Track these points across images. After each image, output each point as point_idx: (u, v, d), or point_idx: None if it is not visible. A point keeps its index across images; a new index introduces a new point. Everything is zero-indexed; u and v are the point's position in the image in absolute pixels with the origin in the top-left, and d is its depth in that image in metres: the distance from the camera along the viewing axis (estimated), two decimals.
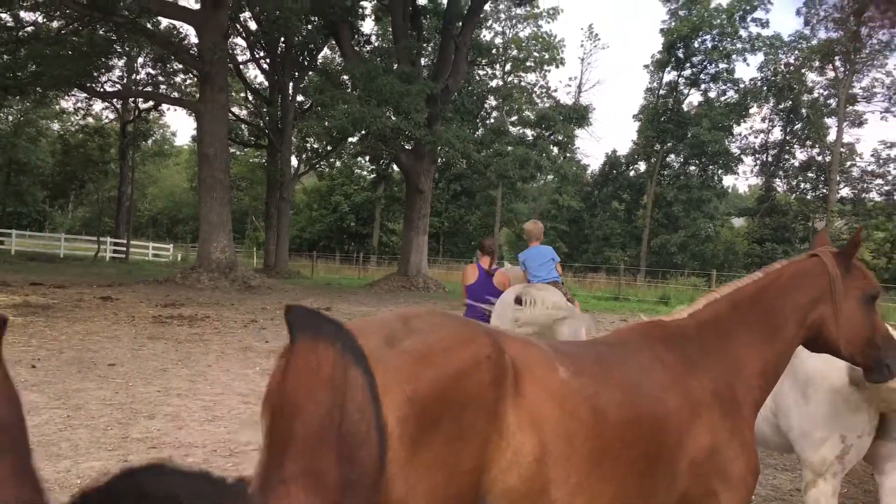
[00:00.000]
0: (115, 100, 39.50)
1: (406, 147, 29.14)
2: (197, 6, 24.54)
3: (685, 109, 48.83)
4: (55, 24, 27.23)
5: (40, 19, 27.35)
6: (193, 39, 28.62)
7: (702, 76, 48.49)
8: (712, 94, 48.81)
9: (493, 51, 42.96)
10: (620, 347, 2.48)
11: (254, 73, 43.08)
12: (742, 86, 47.81)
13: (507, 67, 49.14)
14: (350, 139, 34.34)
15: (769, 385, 2.65)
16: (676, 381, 2.36)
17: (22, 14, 27.64)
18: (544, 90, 51.35)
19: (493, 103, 49.67)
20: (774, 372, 2.65)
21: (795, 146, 48.48)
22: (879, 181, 44.68)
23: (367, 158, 49.96)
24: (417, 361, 1.92)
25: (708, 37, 46.66)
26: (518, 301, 5.36)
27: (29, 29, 27.09)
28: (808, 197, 47.21)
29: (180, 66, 34.16)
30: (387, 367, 1.92)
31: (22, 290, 16.94)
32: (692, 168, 50.15)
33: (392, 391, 1.89)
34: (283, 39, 34.52)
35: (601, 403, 2.16)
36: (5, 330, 0.61)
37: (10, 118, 47.21)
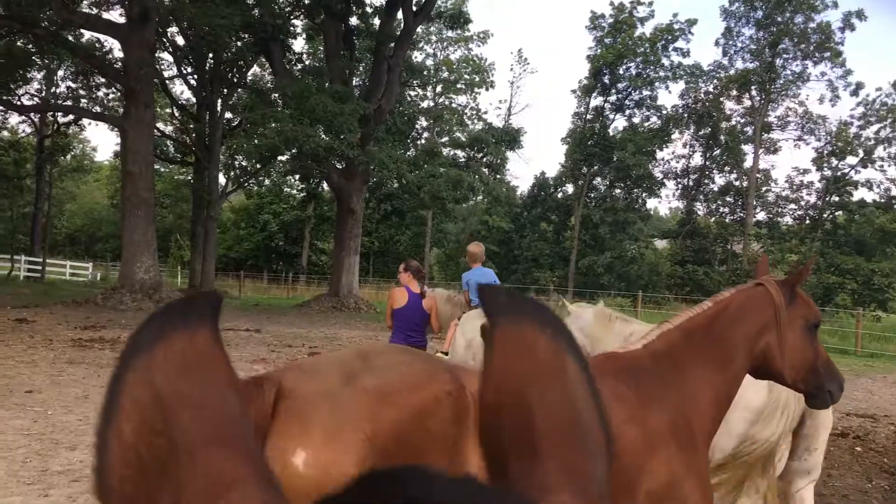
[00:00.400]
0: (32, 113, 37.95)
1: (338, 166, 28.91)
2: (122, 20, 23.84)
3: (611, 134, 50.04)
4: None
5: None
6: (118, 53, 27.78)
7: (626, 102, 49.81)
8: (636, 120, 50.28)
9: (425, 72, 43.26)
10: None
11: (181, 89, 42.06)
12: (664, 112, 49.42)
13: (439, 89, 49.55)
14: (280, 157, 33.88)
15: (721, 415, 2.66)
16: (633, 415, 2.35)
17: None
18: (475, 112, 51.97)
19: (425, 124, 49.89)
20: (726, 401, 2.66)
21: (714, 171, 50.32)
22: (793, 206, 46.93)
23: (297, 177, 49.36)
24: (377, 400, 1.87)
25: (632, 64, 48.07)
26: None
27: None
28: (727, 220, 48.95)
29: (103, 80, 33.08)
30: (344, 405, 1.86)
31: None
32: (617, 191, 51.36)
33: (350, 431, 1.83)
34: (211, 55, 33.87)
35: None
36: (221, 306, 0.60)
37: None
